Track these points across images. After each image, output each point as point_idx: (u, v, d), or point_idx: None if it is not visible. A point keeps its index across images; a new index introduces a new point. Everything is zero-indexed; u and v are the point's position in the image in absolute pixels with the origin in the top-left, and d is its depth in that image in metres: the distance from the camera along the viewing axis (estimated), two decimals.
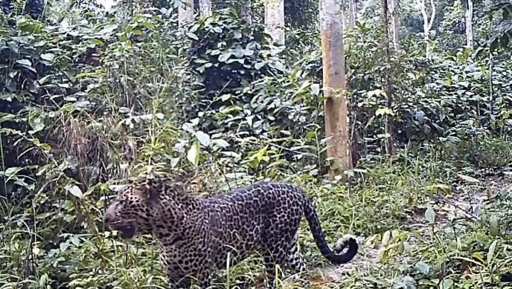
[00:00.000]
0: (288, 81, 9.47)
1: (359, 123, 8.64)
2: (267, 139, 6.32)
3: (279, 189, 3.77)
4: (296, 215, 3.76)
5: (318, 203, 6.01)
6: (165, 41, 7.78)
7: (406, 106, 10.21)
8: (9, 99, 6.23)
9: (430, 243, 4.22)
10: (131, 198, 3.21)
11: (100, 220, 4.62)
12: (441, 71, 14.75)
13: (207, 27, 10.46)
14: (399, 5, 21.68)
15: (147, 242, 4.64)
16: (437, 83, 13.06)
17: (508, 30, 5.57)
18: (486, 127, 11.69)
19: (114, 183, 4.74)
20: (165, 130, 5.30)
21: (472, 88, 13.51)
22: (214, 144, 5.05)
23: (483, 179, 8.81)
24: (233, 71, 10.15)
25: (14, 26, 7.14)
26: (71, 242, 4.35)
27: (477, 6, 27.09)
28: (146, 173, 4.49)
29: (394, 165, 8.26)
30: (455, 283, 3.45)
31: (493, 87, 13.27)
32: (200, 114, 8.07)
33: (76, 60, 7.28)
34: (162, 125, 5.33)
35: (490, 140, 11.02)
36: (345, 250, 4.03)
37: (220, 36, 10.51)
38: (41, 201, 4.91)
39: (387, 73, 9.17)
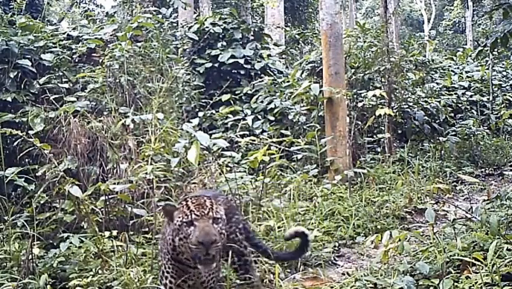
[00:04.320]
0: (288, 81, 9.47)
1: (359, 123, 8.64)
2: (267, 139, 6.31)
3: None
4: None
5: (318, 203, 6.01)
6: (165, 41, 7.78)
7: (406, 106, 10.21)
8: (9, 99, 6.23)
9: (430, 243, 4.21)
10: (222, 214, 2.87)
11: (100, 220, 4.62)
12: (441, 71, 14.75)
13: (207, 27, 10.46)
14: (399, 5, 21.68)
15: (147, 242, 4.64)
16: (437, 83, 13.05)
17: (508, 30, 5.57)
18: (486, 127, 11.68)
19: (114, 183, 4.74)
20: (165, 130, 5.30)
21: (472, 88, 13.50)
22: (214, 144, 5.04)
23: (483, 179, 8.81)
24: (233, 71, 10.15)
25: (14, 26, 7.14)
26: (71, 242, 4.34)
27: (477, 6, 27.09)
28: (146, 173, 4.49)
29: (394, 165, 8.26)
30: (455, 283, 3.44)
31: (493, 86, 13.26)
32: (200, 114, 8.07)
33: (76, 60, 7.27)
34: (162, 125, 5.33)
35: (490, 140, 11.01)
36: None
37: (220, 36, 10.51)
38: (41, 202, 4.92)
39: (387, 73, 9.17)
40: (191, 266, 2.90)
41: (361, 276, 3.89)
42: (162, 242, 3.07)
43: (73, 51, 7.26)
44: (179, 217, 2.81)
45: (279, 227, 5.00)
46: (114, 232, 4.47)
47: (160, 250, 3.20)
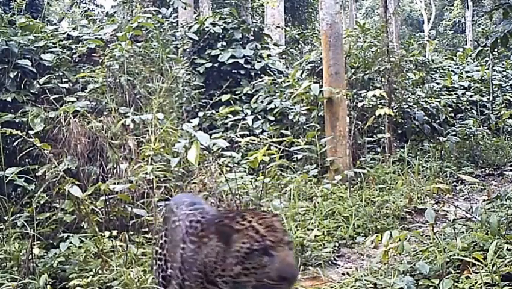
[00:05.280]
0: (288, 81, 9.47)
1: (359, 123, 8.64)
2: (267, 139, 6.31)
3: None
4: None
5: (318, 203, 6.01)
6: (165, 41, 7.78)
7: (406, 106, 10.21)
8: (9, 99, 6.23)
9: (430, 243, 4.21)
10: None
11: (100, 220, 4.63)
12: (441, 71, 14.74)
13: (207, 27, 10.46)
14: (399, 5, 21.68)
15: (147, 242, 4.64)
16: (437, 83, 13.05)
17: (508, 30, 5.57)
18: (486, 127, 11.68)
19: (114, 183, 4.74)
20: (165, 130, 5.31)
21: (472, 88, 13.50)
22: (214, 144, 5.04)
23: (483, 179, 8.81)
24: (233, 71, 10.16)
25: (14, 26, 7.14)
26: (71, 242, 4.34)
27: (477, 6, 27.10)
28: (146, 173, 4.49)
29: (394, 165, 8.26)
30: (455, 283, 3.45)
31: (493, 86, 13.26)
32: (200, 114, 8.07)
33: (76, 60, 7.28)
34: (162, 125, 5.33)
35: (490, 140, 11.01)
36: None
37: (220, 36, 10.51)
38: (41, 202, 4.92)
39: (387, 73, 9.18)
40: None
41: (361, 276, 3.89)
42: (190, 261, 2.56)
43: (73, 51, 7.26)
44: (244, 243, 2.32)
45: None
46: (114, 232, 4.47)
47: (178, 268, 2.66)
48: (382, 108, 7.93)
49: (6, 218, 4.67)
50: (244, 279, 2.33)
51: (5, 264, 4.27)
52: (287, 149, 7.27)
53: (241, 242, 2.32)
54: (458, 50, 20.09)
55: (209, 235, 2.54)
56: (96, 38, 7.43)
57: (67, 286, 3.95)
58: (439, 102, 11.17)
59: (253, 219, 2.37)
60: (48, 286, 3.88)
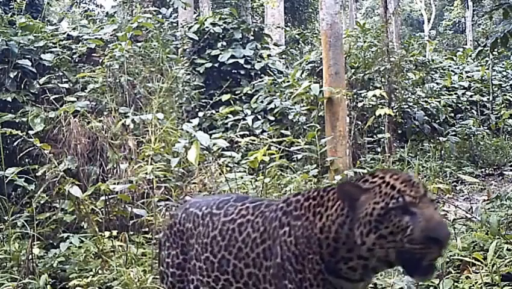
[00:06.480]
0: (288, 81, 9.47)
1: (359, 123, 8.65)
2: (267, 139, 6.31)
3: None
4: None
5: None
6: (165, 41, 7.78)
7: (406, 106, 10.21)
8: (9, 99, 6.24)
9: None
10: None
11: (100, 220, 4.63)
12: (441, 71, 14.74)
13: (207, 27, 10.46)
14: (399, 5, 21.66)
15: (147, 242, 4.64)
16: (437, 83, 13.05)
17: (508, 30, 5.57)
18: (486, 127, 11.69)
19: (114, 183, 4.74)
20: (165, 130, 5.30)
21: (472, 88, 13.50)
22: (214, 144, 5.05)
23: (483, 179, 8.80)
24: (233, 71, 10.16)
25: (14, 26, 7.14)
26: (71, 242, 4.35)
27: (477, 6, 27.07)
28: (146, 173, 4.49)
29: (394, 165, 8.26)
30: (455, 283, 3.44)
31: (493, 86, 13.26)
32: (200, 114, 8.06)
33: (76, 60, 7.28)
34: (162, 125, 5.33)
35: (490, 140, 11.01)
36: None
37: (220, 36, 10.51)
38: (41, 201, 4.92)
39: (387, 73, 9.18)
40: (353, 279, 2.00)
41: None
42: (302, 241, 2.01)
43: (73, 51, 7.26)
44: (377, 203, 1.83)
45: None
46: (114, 232, 4.48)
47: (279, 265, 2.07)
48: (382, 108, 7.94)
49: (6, 218, 4.68)
50: (379, 253, 1.85)
51: (5, 264, 4.27)
52: (287, 149, 7.27)
53: (372, 202, 1.85)
54: (458, 50, 20.09)
55: (324, 203, 2.01)
56: (96, 38, 7.44)
57: (67, 286, 3.95)
58: (439, 102, 11.18)
59: (386, 175, 1.90)
60: (48, 286, 3.88)
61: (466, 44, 26.07)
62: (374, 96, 7.84)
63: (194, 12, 14.80)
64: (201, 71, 10.02)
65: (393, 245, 1.81)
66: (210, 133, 6.71)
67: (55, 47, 7.05)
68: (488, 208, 5.28)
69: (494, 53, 11.62)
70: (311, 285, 1.99)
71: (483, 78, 13.81)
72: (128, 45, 6.56)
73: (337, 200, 1.96)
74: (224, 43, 10.34)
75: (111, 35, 7.65)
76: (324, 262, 1.96)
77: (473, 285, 3.33)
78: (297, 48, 13.97)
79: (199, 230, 2.41)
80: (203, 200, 2.55)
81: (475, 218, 4.53)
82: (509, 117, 11.41)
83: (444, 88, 12.99)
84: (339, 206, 1.94)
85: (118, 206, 4.93)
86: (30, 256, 4.09)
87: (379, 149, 9.57)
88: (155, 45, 7.06)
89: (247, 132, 7.75)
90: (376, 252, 1.86)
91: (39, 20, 7.98)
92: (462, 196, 7.49)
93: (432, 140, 10.23)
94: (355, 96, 8.78)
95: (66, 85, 6.61)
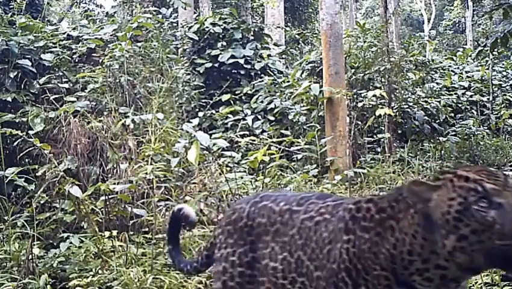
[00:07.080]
0: (288, 81, 9.47)
1: (359, 123, 8.65)
2: (267, 139, 6.31)
3: None
4: None
5: None
6: (165, 41, 7.78)
7: (406, 106, 10.21)
8: (9, 99, 6.23)
9: None
10: None
11: (100, 220, 4.63)
12: (441, 71, 14.74)
13: (207, 27, 10.46)
14: (399, 5, 21.67)
15: (147, 242, 4.63)
16: (437, 83, 13.05)
17: (508, 30, 5.57)
18: (486, 127, 11.69)
19: (114, 183, 4.74)
20: (165, 130, 5.30)
21: (472, 88, 13.50)
22: (214, 144, 5.04)
23: None
24: (233, 71, 10.16)
25: (14, 26, 7.14)
26: (71, 242, 4.35)
27: (477, 6, 27.08)
28: (146, 173, 4.49)
29: (394, 165, 8.25)
30: None
31: (493, 86, 13.27)
32: (200, 114, 8.07)
33: (76, 60, 7.28)
34: (162, 125, 5.33)
35: (490, 140, 11.02)
36: None
37: (220, 36, 10.51)
38: (41, 201, 4.91)
39: (387, 73, 9.17)
40: None
41: None
42: (367, 256, 1.81)
43: (73, 51, 7.26)
44: (452, 199, 1.60)
45: None
46: (114, 232, 4.47)
47: (333, 272, 1.90)
48: (382, 108, 7.93)
49: (6, 218, 4.68)
50: (461, 259, 1.60)
51: (5, 264, 4.27)
52: (287, 149, 7.27)
53: (447, 199, 1.61)
54: (458, 50, 20.09)
55: (395, 215, 1.79)
56: (96, 38, 7.44)
57: (67, 286, 3.95)
58: (439, 102, 11.17)
59: (456, 170, 1.70)
60: (48, 286, 3.88)
61: (466, 44, 26.08)
62: (374, 96, 7.83)
63: (194, 12, 14.81)
64: (201, 71, 10.03)
65: (478, 247, 1.55)
66: (210, 133, 6.71)
67: (55, 47, 7.05)
68: None
69: (494, 53, 11.63)
70: None
71: (483, 78, 13.81)
72: (128, 45, 6.56)
73: (407, 209, 1.76)
74: (224, 43, 10.34)
75: (111, 35, 7.65)
76: (397, 276, 1.76)
77: (473, 285, 3.33)
78: (297, 48, 13.98)
79: (277, 227, 2.18)
80: (280, 195, 2.31)
81: None
82: (509, 117, 11.41)
83: (444, 88, 12.99)
84: (410, 215, 1.74)
85: (118, 206, 4.93)
86: (30, 256, 4.08)
87: (379, 149, 9.57)
88: (155, 45, 7.06)
89: (247, 132, 7.75)
90: (456, 258, 1.60)
91: (39, 20, 7.98)
92: None
93: (432, 140, 10.23)
94: (355, 96, 8.78)
95: (66, 85, 6.60)
